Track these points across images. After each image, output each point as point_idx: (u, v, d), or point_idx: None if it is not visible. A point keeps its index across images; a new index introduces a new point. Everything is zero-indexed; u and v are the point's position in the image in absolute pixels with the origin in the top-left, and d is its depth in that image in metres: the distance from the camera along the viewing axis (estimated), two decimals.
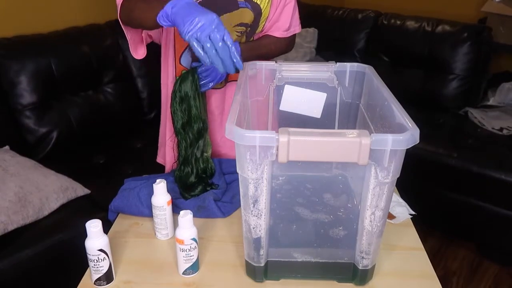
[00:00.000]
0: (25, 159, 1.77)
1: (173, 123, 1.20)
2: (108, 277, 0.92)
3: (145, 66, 2.43)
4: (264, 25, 1.27)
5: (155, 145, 1.48)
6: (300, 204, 1.04)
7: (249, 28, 1.25)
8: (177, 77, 1.19)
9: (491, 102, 2.73)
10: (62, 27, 2.23)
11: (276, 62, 1.14)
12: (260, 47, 1.29)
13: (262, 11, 1.23)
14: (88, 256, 0.90)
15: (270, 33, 1.31)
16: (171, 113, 1.20)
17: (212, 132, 1.33)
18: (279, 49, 1.34)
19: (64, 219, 1.66)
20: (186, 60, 1.26)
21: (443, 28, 2.66)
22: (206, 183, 1.21)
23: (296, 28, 1.33)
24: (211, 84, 1.18)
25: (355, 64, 1.13)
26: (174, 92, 1.18)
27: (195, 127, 1.19)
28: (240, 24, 1.22)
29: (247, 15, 1.22)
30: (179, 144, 1.22)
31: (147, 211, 1.11)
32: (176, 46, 1.26)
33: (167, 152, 1.41)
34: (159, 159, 1.48)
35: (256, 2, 1.21)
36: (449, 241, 2.34)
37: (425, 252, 1.02)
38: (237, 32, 1.23)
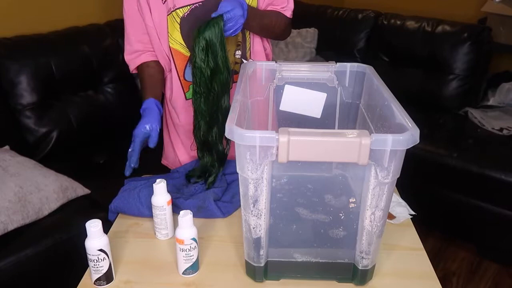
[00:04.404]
0: (25, 159, 1.77)
1: (196, 77, 1.15)
2: (108, 277, 0.92)
3: None
4: None
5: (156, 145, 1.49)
6: (300, 204, 1.04)
7: None
8: (200, 26, 1.13)
9: (491, 102, 2.73)
10: (62, 27, 2.23)
11: (276, 62, 1.15)
12: (263, 16, 1.28)
13: (249, 3, 1.23)
14: (88, 256, 0.90)
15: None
16: (193, 66, 1.15)
17: None
18: (279, 25, 1.31)
19: (64, 219, 1.66)
20: (189, 75, 1.28)
21: (443, 28, 2.66)
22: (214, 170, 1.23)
23: (290, 11, 1.32)
24: (228, 32, 1.14)
25: (355, 64, 1.13)
26: (197, 41, 1.12)
27: (222, 77, 1.15)
28: None
29: None
30: (203, 102, 1.17)
31: (147, 212, 1.11)
32: (177, 65, 1.29)
33: (168, 154, 1.46)
34: (163, 161, 1.50)
35: None
36: (449, 241, 2.33)
37: (425, 252, 1.02)
38: None
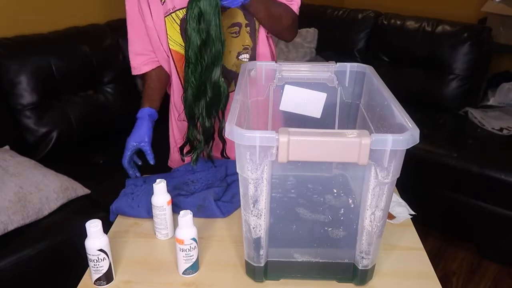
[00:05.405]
0: (25, 159, 1.77)
1: (187, 46, 1.10)
2: (108, 277, 0.92)
3: None
4: None
5: (155, 145, 1.49)
6: (300, 204, 1.04)
7: (248, 28, 1.25)
8: None
9: (491, 102, 2.73)
10: (62, 27, 2.23)
11: (276, 62, 1.15)
12: (271, 2, 1.23)
13: None
14: (88, 256, 0.90)
15: None
16: (186, 34, 1.10)
17: None
18: (286, 18, 1.25)
19: (64, 219, 1.66)
20: None
21: (443, 28, 2.66)
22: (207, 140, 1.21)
23: (297, 6, 1.28)
24: (225, 2, 1.09)
25: (355, 64, 1.13)
26: (190, 7, 1.07)
27: (213, 48, 1.10)
28: (233, 25, 1.23)
29: (237, 14, 1.22)
30: (190, 71, 1.12)
31: (146, 215, 1.12)
32: (178, 66, 1.29)
33: (173, 156, 1.46)
34: (169, 163, 1.50)
35: None
36: (449, 241, 2.33)
37: (425, 252, 1.02)
38: (231, 33, 1.24)
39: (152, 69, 1.33)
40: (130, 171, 1.28)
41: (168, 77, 1.35)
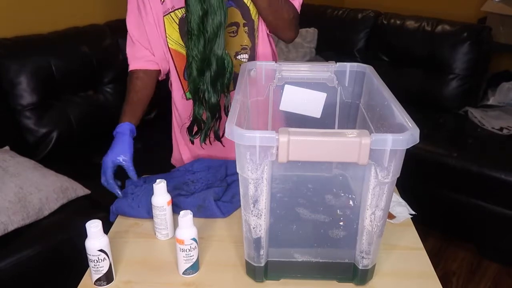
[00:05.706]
0: (25, 159, 1.77)
1: (188, 17, 1.08)
2: (108, 277, 0.92)
3: None
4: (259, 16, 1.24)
5: (155, 145, 1.49)
6: (300, 204, 1.04)
7: (246, 27, 1.25)
8: None
9: (491, 101, 2.73)
10: (62, 27, 2.23)
11: (276, 62, 1.15)
12: None
13: (248, 4, 1.21)
14: (88, 256, 0.90)
15: None
16: (186, 4, 1.08)
17: None
18: (288, 11, 1.21)
19: (64, 219, 1.66)
20: None
21: (443, 28, 2.66)
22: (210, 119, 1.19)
23: (298, 3, 1.26)
24: None
25: (355, 64, 1.13)
26: None
27: (215, 19, 1.08)
28: (231, 24, 1.22)
29: (234, 14, 1.22)
30: (193, 43, 1.11)
31: (146, 215, 1.12)
32: (177, 65, 1.28)
33: (175, 154, 1.46)
34: (172, 160, 1.51)
35: None
36: (449, 241, 2.34)
37: (425, 252, 1.02)
38: (229, 32, 1.23)
39: (140, 70, 1.29)
40: (117, 189, 1.16)
41: (153, 88, 1.32)
